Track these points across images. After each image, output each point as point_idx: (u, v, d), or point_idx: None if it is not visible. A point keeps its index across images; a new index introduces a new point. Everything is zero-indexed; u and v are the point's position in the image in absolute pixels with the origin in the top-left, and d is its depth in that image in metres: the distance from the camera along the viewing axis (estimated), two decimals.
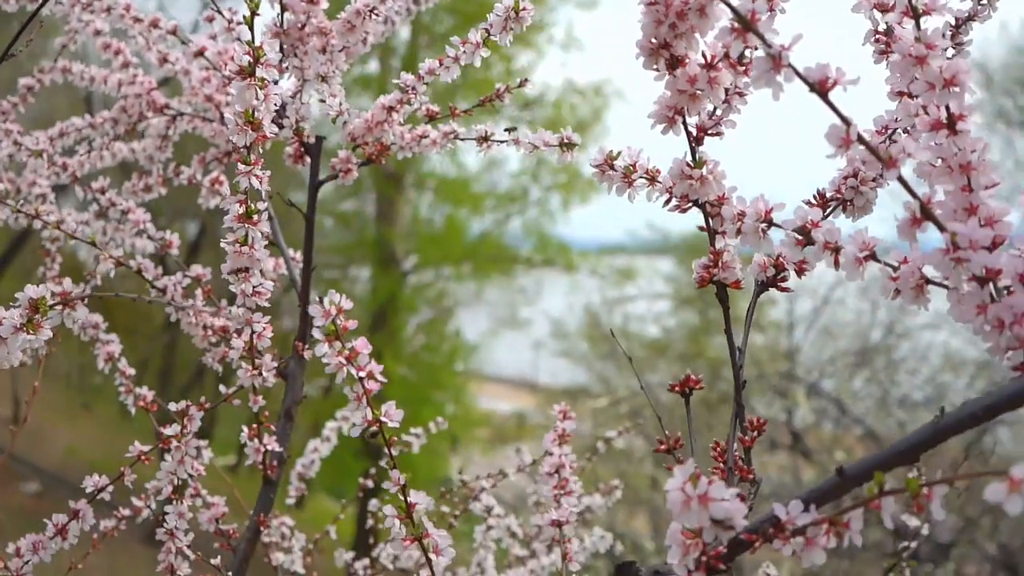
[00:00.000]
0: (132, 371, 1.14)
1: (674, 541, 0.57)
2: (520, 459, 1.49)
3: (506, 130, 0.99)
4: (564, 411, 1.03)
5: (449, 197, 11.72)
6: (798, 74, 0.54)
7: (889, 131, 0.75)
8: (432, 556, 0.68)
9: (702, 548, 0.56)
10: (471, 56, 0.91)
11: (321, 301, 0.65)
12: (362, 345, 0.67)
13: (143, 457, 0.97)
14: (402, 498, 0.69)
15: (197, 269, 1.11)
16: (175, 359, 10.25)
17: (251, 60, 0.74)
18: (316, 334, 0.66)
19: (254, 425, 1.01)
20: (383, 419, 0.67)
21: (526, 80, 1.07)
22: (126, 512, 1.13)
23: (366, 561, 1.43)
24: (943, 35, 0.76)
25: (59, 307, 0.69)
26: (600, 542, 1.41)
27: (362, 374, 0.66)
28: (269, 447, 1.02)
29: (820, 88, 0.54)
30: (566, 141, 0.87)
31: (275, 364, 0.97)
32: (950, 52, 0.77)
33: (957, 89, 0.57)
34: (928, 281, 0.58)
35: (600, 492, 1.56)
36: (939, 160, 0.60)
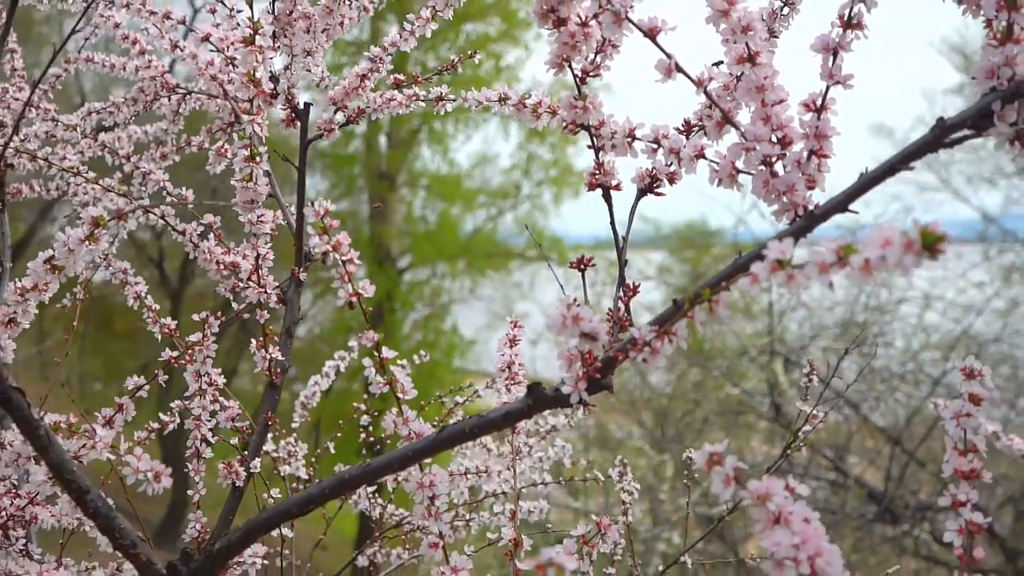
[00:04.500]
0: (157, 306, 1.37)
1: (561, 358, 0.80)
2: (489, 381, 1.73)
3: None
4: (515, 322, 1.27)
5: (441, 194, 11.95)
6: (634, 24, 0.78)
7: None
8: (400, 395, 0.92)
9: (583, 362, 0.80)
10: (423, 28, 1.16)
11: (312, 204, 0.88)
12: (344, 238, 0.90)
13: (172, 361, 1.20)
14: (376, 353, 0.92)
15: (209, 217, 1.35)
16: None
17: (251, 31, 0.98)
18: (309, 229, 0.89)
19: (260, 338, 1.25)
20: (360, 291, 0.91)
21: (475, 52, 1.32)
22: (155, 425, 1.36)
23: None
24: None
25: (114, 221, 0.93)
26: (561, 451, 1.65)
27: (345, 258, 0.89)
28: (274, 356, 1.25)
29: (651, 33, 0.78)
30: (503, 96, 1.11)
31: (277, 284, 1.20)
32: (786, 10, 1.00)
33: (752, 33, 0.80)
34: (738, 171, 0.82)
35: (564, 415, 1.80)
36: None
